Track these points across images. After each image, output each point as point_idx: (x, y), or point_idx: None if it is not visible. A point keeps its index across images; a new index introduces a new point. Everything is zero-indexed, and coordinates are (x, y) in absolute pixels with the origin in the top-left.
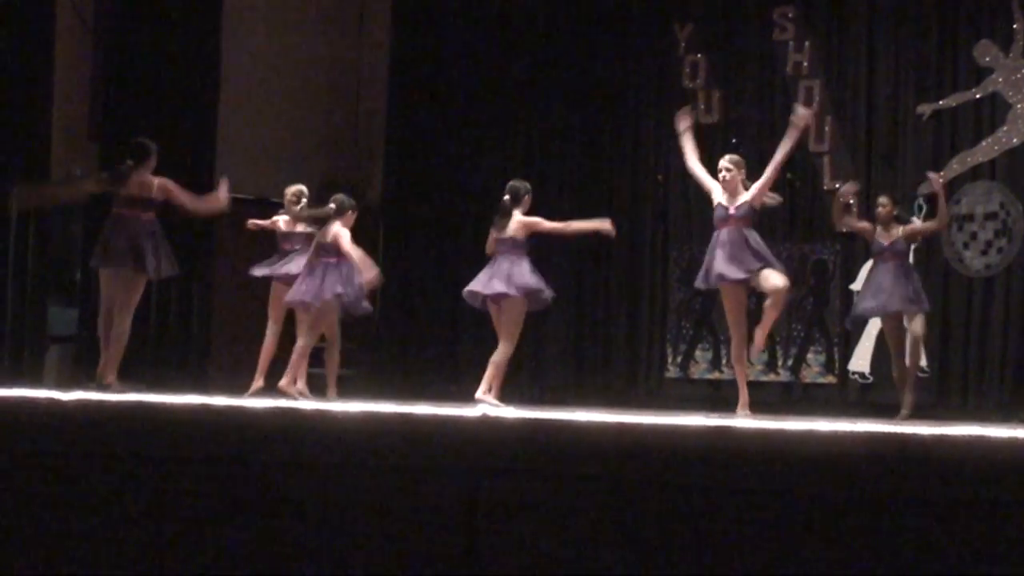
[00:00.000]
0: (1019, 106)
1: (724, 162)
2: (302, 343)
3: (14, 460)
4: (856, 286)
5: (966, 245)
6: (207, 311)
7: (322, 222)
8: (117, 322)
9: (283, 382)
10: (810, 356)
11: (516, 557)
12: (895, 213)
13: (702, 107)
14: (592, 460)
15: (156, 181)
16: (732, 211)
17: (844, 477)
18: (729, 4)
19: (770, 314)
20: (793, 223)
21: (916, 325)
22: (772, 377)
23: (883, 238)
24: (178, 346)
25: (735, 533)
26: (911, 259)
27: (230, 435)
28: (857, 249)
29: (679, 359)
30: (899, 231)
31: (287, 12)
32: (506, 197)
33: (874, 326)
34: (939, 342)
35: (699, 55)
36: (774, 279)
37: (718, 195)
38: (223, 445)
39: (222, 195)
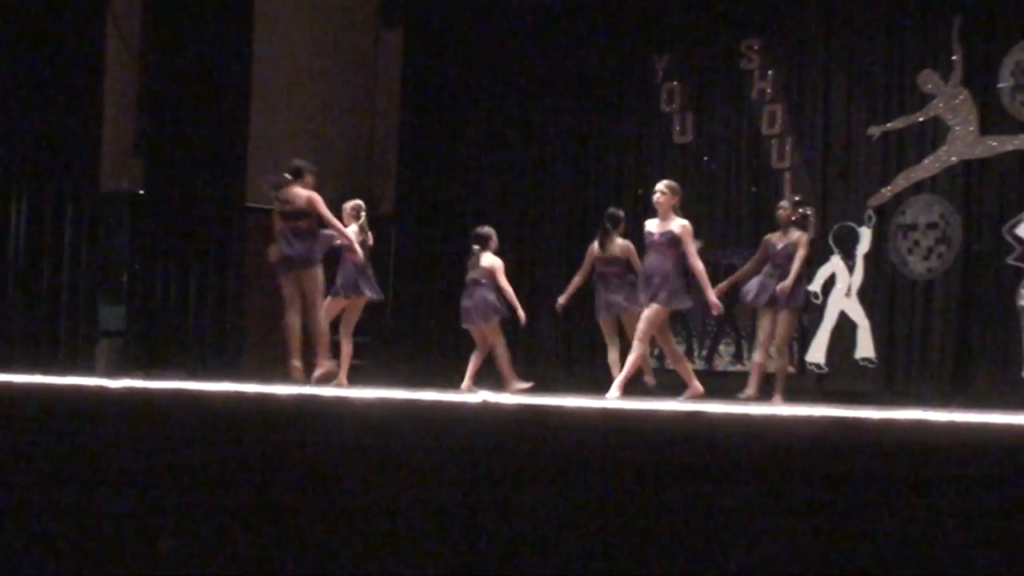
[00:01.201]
0: (957, 128)
1: (660, 185)
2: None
3: (69, 439)
4: (814, 287)
5: (910, 251)
6: (240, 307)
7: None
8: (310, 320)
9: (513, 386)
10: (771, 349)
11: (514, 531)
12: (793, 218)
13: (677, 128)
14: (580, 441)
15: (304, 194)
16: (656, 236)
17: (802, 456)
18: (701, 37)
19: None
20: (758, 232)
21: (765, 323)
22: (739, 367)
23: (778, 241)
24: (214, 338)
25: (706, 507)
26: None
27: (259, 419)
28: (813, 254)
29: (657, 351)
30: (795, 236)
31: (310, 40)
32: (607, 224)
33: (829, 321)
34: (886, 336)
35: (675, 82)
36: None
37: (651, 223)
38: (253, 427)
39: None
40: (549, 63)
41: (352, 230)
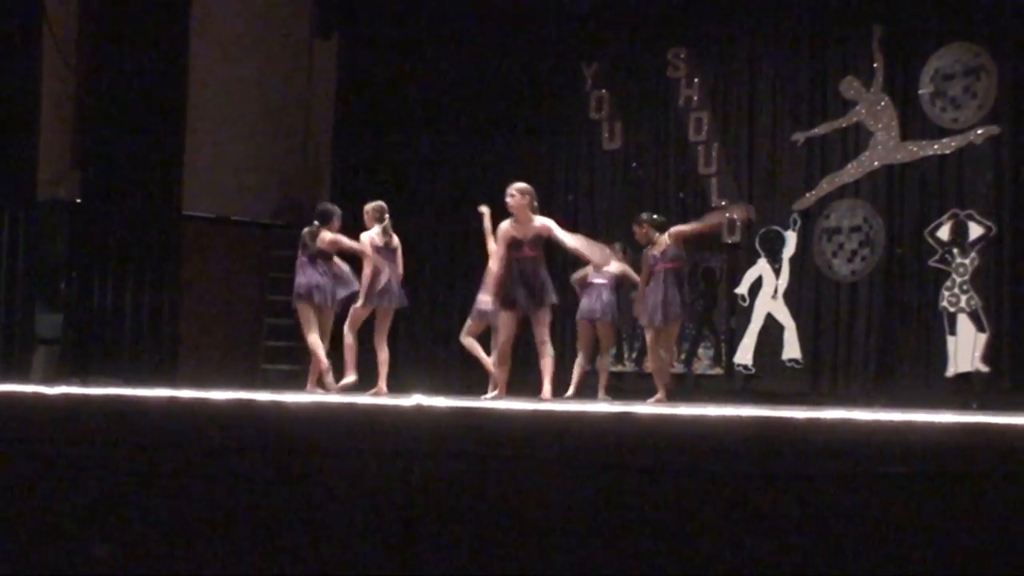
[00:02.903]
0: (879, 134)
1: (510, 188)
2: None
3: (5, 446)
4: (740, 290)
5: (834, 254)
6: (175, 314)
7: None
8: (311, 342)
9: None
10: (701, 350)
11: (447, 529)
12: (646, 231)
13: (606, 135)
14: (511, 442)
15: (328, 237)
16: (525, 241)
17: (730, 455)
18: (629, 46)
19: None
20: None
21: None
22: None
23: (655, 250)
24: (150, 345)
25: (636, 506)
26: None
27: (196, 424)
28: (740, 258)
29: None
30: (665, 238)
31: (245, 51)
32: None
33: (756, 323)
34: (812, 338)
35: (603, 90)
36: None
37: (514, 229)
38: (190, 433)
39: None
40: (480, 72)
41: (375, 232)
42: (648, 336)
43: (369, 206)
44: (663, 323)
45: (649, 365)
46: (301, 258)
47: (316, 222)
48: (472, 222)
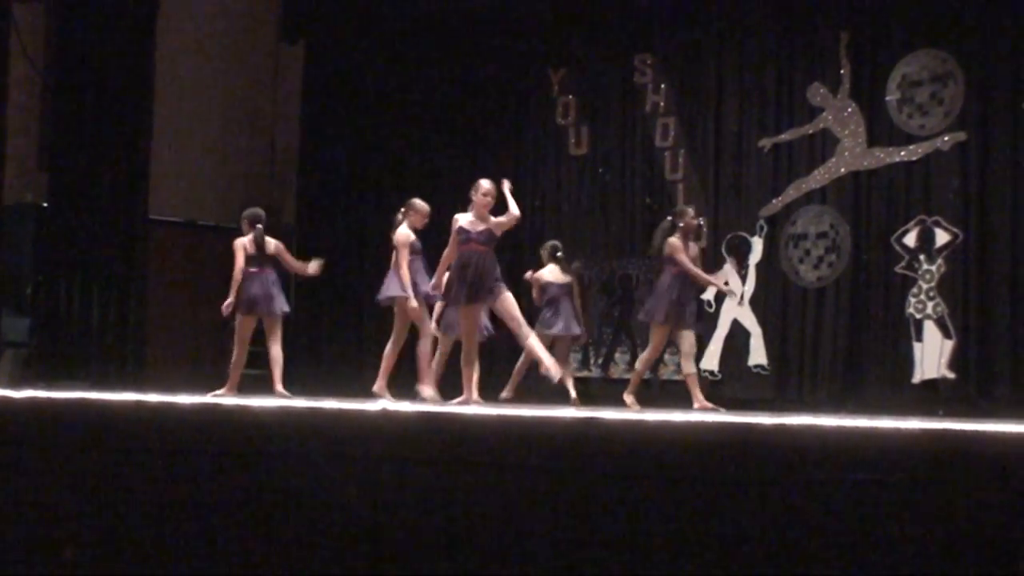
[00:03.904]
0: (846, 140)
1: (486, 186)
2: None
3: None
4: (707, 296)
5: (801, 260)
6: (142, 318)
7: None
8: (272, 350)
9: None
10: (666, 357)
11: (413, 535)
12: (698, 223)
13: (573, 141)
14: (477, 448)
15: (273, 243)
16: (473, 235)
17: (696, 460)
18: (596, 52)
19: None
20: (652, 242)
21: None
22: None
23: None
24: (116, 349)
25: (600, 510)
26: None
27: (161, 428)
28: (707, 264)
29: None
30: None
31: (212, 56)
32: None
33: (723, 329)
34: (778, 344)
35: (570, 96)
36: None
37: (464, 219)
38: (156, 436)
39: (312, 267)
40: (447, 77)
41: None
42: (658, 338)
43: (423, 203)
44: (678, 325)
45: (637, 366)
46: (249, 269)
47: (259, 226)
48: (440, 230)
